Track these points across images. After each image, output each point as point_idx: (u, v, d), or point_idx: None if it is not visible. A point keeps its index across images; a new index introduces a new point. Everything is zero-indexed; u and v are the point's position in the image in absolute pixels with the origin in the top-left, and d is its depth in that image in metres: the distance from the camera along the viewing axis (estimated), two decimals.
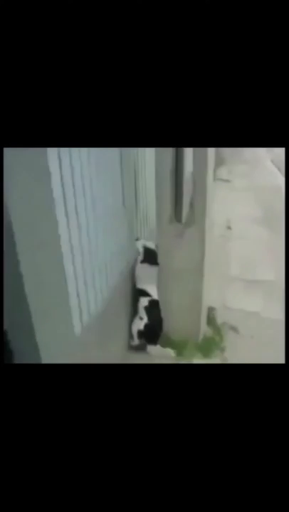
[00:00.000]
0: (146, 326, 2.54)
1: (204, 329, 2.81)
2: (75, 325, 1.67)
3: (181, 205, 2.33)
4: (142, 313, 2.55)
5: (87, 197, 1.75)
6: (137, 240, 2.65)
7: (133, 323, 2.59)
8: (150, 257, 2.55)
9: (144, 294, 2.56)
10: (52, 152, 1.37)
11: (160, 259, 2.54)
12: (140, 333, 2.55)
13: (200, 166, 2.24)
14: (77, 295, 1.71)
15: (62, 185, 1.50)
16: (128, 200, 2.40)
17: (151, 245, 2.60)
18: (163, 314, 2.59)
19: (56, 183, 1.43)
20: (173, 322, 2.62)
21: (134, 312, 2.62)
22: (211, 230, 2.75)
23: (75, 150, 1.58)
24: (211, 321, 2.94)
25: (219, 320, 3.00)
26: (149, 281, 2.57)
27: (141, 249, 2.58)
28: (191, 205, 2.51)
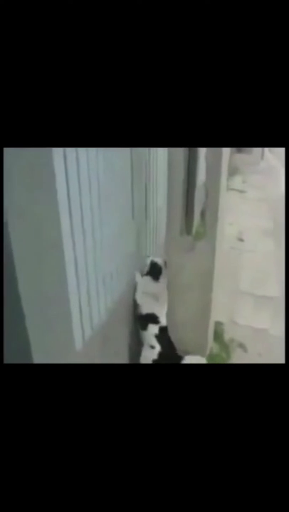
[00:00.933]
0: (160, 354, 2.33)
1: (211, 345, 2.74)
2: (76, 340, 1.62)
3: (192, 217, 2.28)
4: (153, 341, 2.35)
5: (94, 208, 1.71)
6: (148, 256, 2.53)
7: (143, 355, 2.37)
8: (155, 271, 2.40)
9: (153, 319, 2.37)
10: (58, 158, 1.33)
11: (169, 272, 2.48)
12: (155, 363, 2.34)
13: (213, 175, 2.19)
14: (80, 308, 1.66)
15: (68, 194, 1.45)
16: (138, 213, 2.36)
17: (159, 261, 2.46)
18: (169, 328, 2.52)
19: (62, 192, 1.38)
20: (179, 336, 2.55)
21: (137, 340, 2.44)
22: (222, 241, 2.70)
23: (83, 157, 1.55)
24: (218, 336, 2.86)
25: (226, 335, 2.93)
26: (155, 302, 2.38)
27: (148, 263, 2.46)
28: (202, 216, 2.46)
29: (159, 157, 2.81)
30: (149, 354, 2.34)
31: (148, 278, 2.40)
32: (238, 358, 2.72)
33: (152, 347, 2.35)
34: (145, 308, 2.36)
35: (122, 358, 2.34)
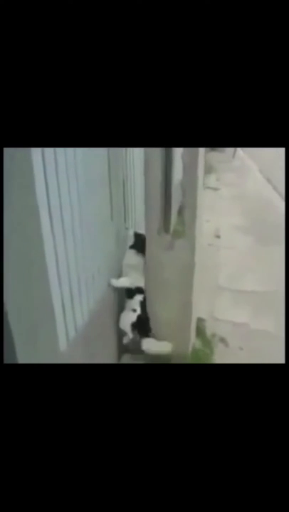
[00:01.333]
0: (139, 317, 2.50)
1: (194, 341, 2.76)
2: (61, 341, 1.60)
3: (170, 215, 2.29)
4: (136, 306, 2.52)
5: (74, 209, 1.70)
6: (127, 228, 2.66)
7: (123, 318, 2.53)
8: (138, 243, 2.53)
9: (140, 291, 2.55)
10: (37, 162, 1.32)
11: (149, 270, 2.49)
12: (134, 326, 2.49)
13: (190, 174, 2.21)
14: (63, 310, 1.65)
15: (48, 196, 1.44)
16: (116, 213, 2.36)
17: (142, 232, 2.56)
18: (152, 326, 2.54)
19: (41, 194, 1.37)
20: (162, 334, 2.56)
21: (119, 339, 2.57)
22: (200, 239, 2.72)
23: (61, 160, 1.54)
24: (200, 332, 2.89)
25: (208, 331, 2.96)
26: (140, 275, 2.53)
27: (131, 235, 2.58)
28: (180, 214, 2.47)
29: (136, 157, 2.82)
30: (130, 317, 2.51)
31: (132, 251, 2.53)
32: (219, 352, 2.76)
33: (134, 310, 2.53)
34: (132, 277, 2.51)
35: (104, 358, 2.34)
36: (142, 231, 2.56)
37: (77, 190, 1.72)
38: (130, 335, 2.51)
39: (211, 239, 4.59)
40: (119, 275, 2.52)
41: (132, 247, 2.56)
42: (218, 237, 4.69)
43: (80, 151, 1.73)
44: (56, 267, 1.56)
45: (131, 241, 2.58)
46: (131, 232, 2.62)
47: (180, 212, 2.60)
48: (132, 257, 2.54)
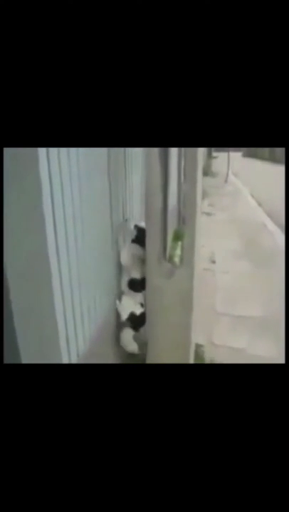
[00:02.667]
0: (142, 314, 2.45)
1: None
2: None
3: (166, 242, 2.34)
4: (143, 300, 2.43)
5: (78, 238, 1.74)
6: (126, 220, 2.51)
7: (125, 302, 2.43)
8: (141, 237, 2.39)
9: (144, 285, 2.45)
10: (46, 192, 1.36)
11: (149, 296, 2.51)
12: (132, 317, 2.42)
13: (189, 203, 2.26)
14: (66, 337, 1.66)
15: (55, 227, 1.48)
16: (116, 240, 2.40)
17: (142, 225, 2.45)
18: (152, 352, 2.55)
19: (49, 228, 1.41)
20: (162, 359, 2.56)
21: (120, 293, 2.48)
22: (198, 265, 2.76)
23: (67, 189, 1.58)
24: (199, 358, 2.89)
25: (207, 357, 2.96)
26: (143, 268, 2.42)
27: (132, 228, 2.43)
28: (176, 239, 2.51)
29: (134, 177, 2.89)
30: (135, 308, 2.43)
31: (135, 245, 2.41)
32: None
33: (142, 305, 2.45)
34: (136, 273, 2.42)
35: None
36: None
37: (81, 221, 1.76)
38: (123, 320, 2.45)
39: (207, 264, 4.65)
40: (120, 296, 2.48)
41: (134, 241, 2.41)
42: (213, 262, 4.75)
43: (83, 171, 1.78)
44: (61, 294, 1.58)
45: (132, 234, 2.42)
46: (131, 225, 2.47)
47: (178, 237, 2.64)
48: (136, 250, 2.41)
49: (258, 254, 5.02)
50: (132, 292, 2.49)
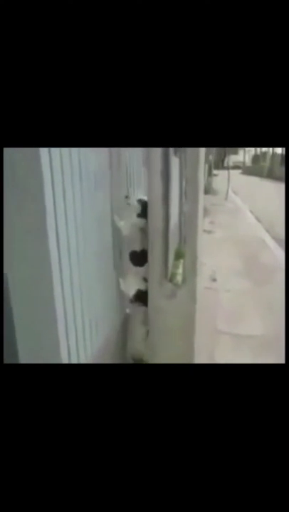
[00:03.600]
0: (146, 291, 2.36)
1: None
2: None
3: (167, 262, 2.34)
4: (146, 274, 2.36)
5: (80, 258, 1.75)
6: (127, 197, 2.41)
7: (130, 279, 2.38)
8: (146, 211, 2.28)
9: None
10: (50, 212, 1.38)
11: (151, 317, 2.51)
12: (140, 293, 2.38)
13: (191, 223, 2.28)
14: (68, 347, 1.66)
15: (58, 247, 1.49)
16: (117, 263, 2.42)
17: (145, 198, 2.34)
18: None
19: (53, 247, 1.43)
20: None
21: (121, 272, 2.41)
22: (199, 284, 2.77)
23: (70, 211, 1.60)
24: None
25: None
26: (144, 240, 2.32)
27: (136, 203, 2.33)
28: (177, 258, 2.50)
29: (136, 192, 2.92)
30: (136, 284, 2.38)
31: (143, 221, 2.30)
32: None
33: (146, 280, 2.37)
34: (139, 244, 2.34)
35: None
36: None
37: (84, 240, 1.78)
38: (130, 298, 2.41)
39: (208, 282, 4.65)
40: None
41: (140, 215, 2.30)
42: (214, 280, 4.75)
43: (85, 192, 1.80)
44: (63, 308, 1.59)
45: (137, 209, 2.32)
46: (133, 201, 2.36)
47: (179, 256, 2.65)
48: (139, 221, 2.32)
49: (259, 272, 5.02)
50: (133, 268, 2.40)
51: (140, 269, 2.42)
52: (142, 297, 2.42)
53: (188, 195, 2.20)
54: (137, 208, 2.34)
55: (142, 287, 2.40)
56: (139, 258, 2.39)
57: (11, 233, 1.09)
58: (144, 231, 2.33)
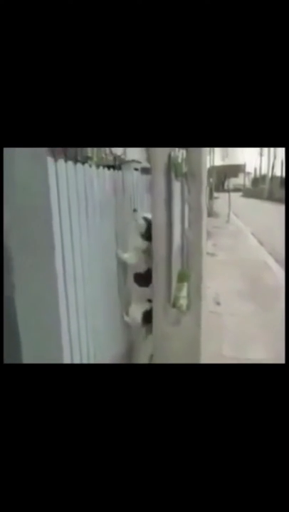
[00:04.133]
0: (152, 309, 2.36)
1: None
2: None
3: (170, 287, 2.34)
4: (151, 296, 2.36)
5: (86, 288, 1.76)
6: (135, 210, 2.38)
7: (135, 306, 2.40)
8: (150, 230, 2.26)
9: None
10: (58, 247, 1.40)
11: (156, 343, 2.49)
12: (145, 316, 2.38)
13: (195, 249, 2.29)
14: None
15: (65, 279, 1.50)
16: (122, 289, 2.42)
17: (150, 217, 2.33)
18: None
19: (60, 284, 1.44)
20: None
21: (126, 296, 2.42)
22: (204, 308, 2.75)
23: (77, 251, 1.62)
24: None
25: None
26: (148, 261, 2.33)
27: (141, 221, 2.29)
28: (180, 281, 2.48)
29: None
30: (146, 306, 2.37)
31: (142, 240, 2.30)
32: None
33: (150, 301, 2.37)
34: (144, 265, 2.35)
35: None
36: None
37: (89, 269, 1.79)
38: (138, 323, 2.42)
39: (212, 306, 4.62)
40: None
41: (144, 235, 2.29)
42: (218, 303, 4.72)
43: (92, 231, 1.82)
44: (69, 342, 1.59)
45: (142, 228, 2.29)
46: (139, 218, 2.32)
47: (182, 279, 2.64)
48: (145, 244, 2.31)
49: (263, 295, 5.00)
50: (137, 287, 2.42)
51: (145, 291, 2.43)
52: (149, 318, 2.42)
53: (192, 221, 2.22)
54: (142, 226, 2.34)
55: (148, 308, 2.40)
56: (144, 279, 2.40)
57: (20, 266, 1.10)
58: (148, 252, 2.34)
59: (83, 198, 1.69)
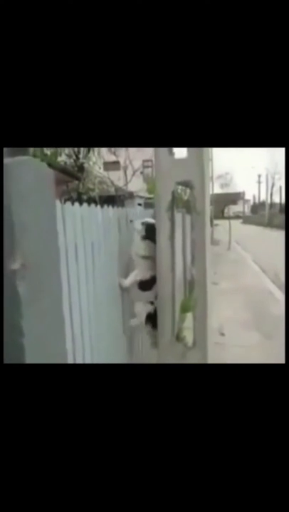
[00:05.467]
0: (155, 311, 2.40)
1: None
2: None
3: (175, 323, 2.35)
4: (154, 299, 2.41)
5: (92, 320, 1.77)
6: (132, 221, 2.48)
7: (139, 306, 2.44)
8: (150, 232, 2.33)
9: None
10: (65, 293, 1.41)
11: None
12: (149, 318, 2.42)
13: (200, 287, 2.30)
14: None
15: (72, 325, 1.51)
16: (127, 328, 2.43)
17: (151, 221, 2.40)
18: None
19: (68, 333, 1.44)
20: None
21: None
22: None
23: (84, 296, 1.64)
24: None
25: None
26: (153, 267, 2.37)
27: (140, 227, 2.38)
28: (184, 311, 2.48)
29: None
30: (147, 307, 2.44)
31: (148, 242, 2.36)
32: None
33: (152, 303, 2.43)
34: (147, 275, 2.38)
35: None
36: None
37: (94, 305, 1.80)
38: (142, 322, 2.47)
39: (217, 337, 4.59)
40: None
41: (145, 237, 2.36)
42: (222, 334, 4.69)
43: (97, 267, 1.84)
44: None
45: (142, 232, 2.38)
46: (137, 224, 2.42)
47: (185, 309, 2.63)
48: (150, 247, 2.37)
49: (267, 324, 4.96)
50: (140, 293, 2.45)
51: (148, 294, 2.45)
52: (151, 319, 2.45)
53: (196, 257, 2.25)
54: (141, 230, 2.40)
55: (151, 310, 2.45)
56: (149, 284, 2.43)
57: (29, 312, 1.11)
58: (151, 259, 2.37)
59: (89, 240, 1.73)
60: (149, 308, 2.47)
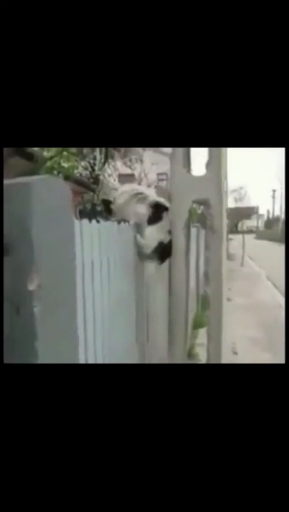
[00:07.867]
0: (169, 242, 2.18)
1: None
2: None
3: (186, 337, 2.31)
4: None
5: (105, 329, 1.76)
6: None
7: (150, 231, 2.18)
8: (159, 213, 2.17)
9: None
10: (80, 316, 1.40)
11: None
12: (161, 246, 2.15)
13: (215, 312, 2.27)
14: None
15: (85, 331, 1.50)
16: (140, 337, 2.41)
17: (161, 200, 2.24)
18: None
19: (82, 344, 1.43)
20: None
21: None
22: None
23: (98, 310, 1.63)
24: None
25: None
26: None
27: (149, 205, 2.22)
28: (197, 327, 2.46)
29: (159, 292, 2.97)
30: (159, 236, 2.18)
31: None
32: None
33: (170, 232, 2.19)
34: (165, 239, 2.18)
35: None
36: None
37: (109, 315, 1.79)
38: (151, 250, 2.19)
39: (230, 355, 4.51)
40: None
41: (151, 220, 2.19)
42: (235, 353, 4.61)
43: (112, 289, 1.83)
44: None
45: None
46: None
47: (198, 325, 2.61)
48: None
49: (280, 342, 4.87)
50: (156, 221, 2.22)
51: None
52: (161, 250, 2.18)
53: (211, 277, 2.23)
54: (150, 211, 2.24)
55: (165, 240, 2.17)
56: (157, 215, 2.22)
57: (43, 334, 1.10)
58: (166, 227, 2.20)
59: (105, 256, 1.72)
60: (163, 236, 2.19)
